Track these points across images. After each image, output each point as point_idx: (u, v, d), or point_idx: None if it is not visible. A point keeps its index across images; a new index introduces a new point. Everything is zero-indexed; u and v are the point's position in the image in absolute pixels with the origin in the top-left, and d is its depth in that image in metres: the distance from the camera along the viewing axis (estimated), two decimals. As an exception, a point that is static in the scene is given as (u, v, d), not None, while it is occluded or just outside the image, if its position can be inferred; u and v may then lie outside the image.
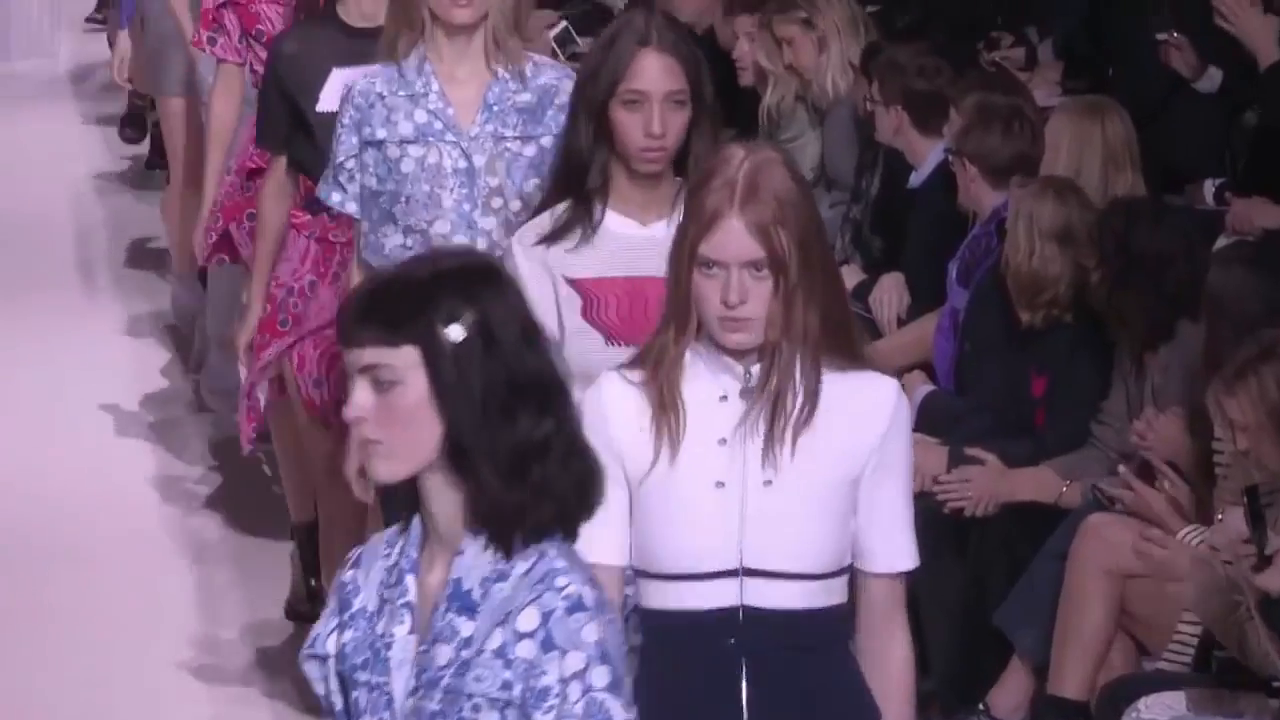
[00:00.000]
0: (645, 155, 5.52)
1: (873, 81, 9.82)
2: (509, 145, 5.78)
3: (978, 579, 8.06)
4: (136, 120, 15.57)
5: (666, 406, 4.38)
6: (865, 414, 4.43)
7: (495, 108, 5.83)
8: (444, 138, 5.84)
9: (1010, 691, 7.79)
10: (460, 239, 5.87)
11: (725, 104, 9.35)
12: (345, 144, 6.09)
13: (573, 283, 5.71)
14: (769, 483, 4.31)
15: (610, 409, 4.49)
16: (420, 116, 5.86)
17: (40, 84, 20.12)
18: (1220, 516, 7.03)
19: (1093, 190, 8.50)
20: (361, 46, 6.48)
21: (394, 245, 6.06)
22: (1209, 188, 9.68)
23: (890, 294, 9.27)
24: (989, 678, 7.83)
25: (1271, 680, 6.74)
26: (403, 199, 5.97)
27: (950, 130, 9.08)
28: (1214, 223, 9.12)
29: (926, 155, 9.41)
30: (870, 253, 9.80)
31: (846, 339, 4.51)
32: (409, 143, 5.87)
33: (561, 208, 5.70)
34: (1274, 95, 9.98)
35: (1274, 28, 9.99)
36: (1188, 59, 10.01)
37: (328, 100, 6.40)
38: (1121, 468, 7.60)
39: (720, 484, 4.34)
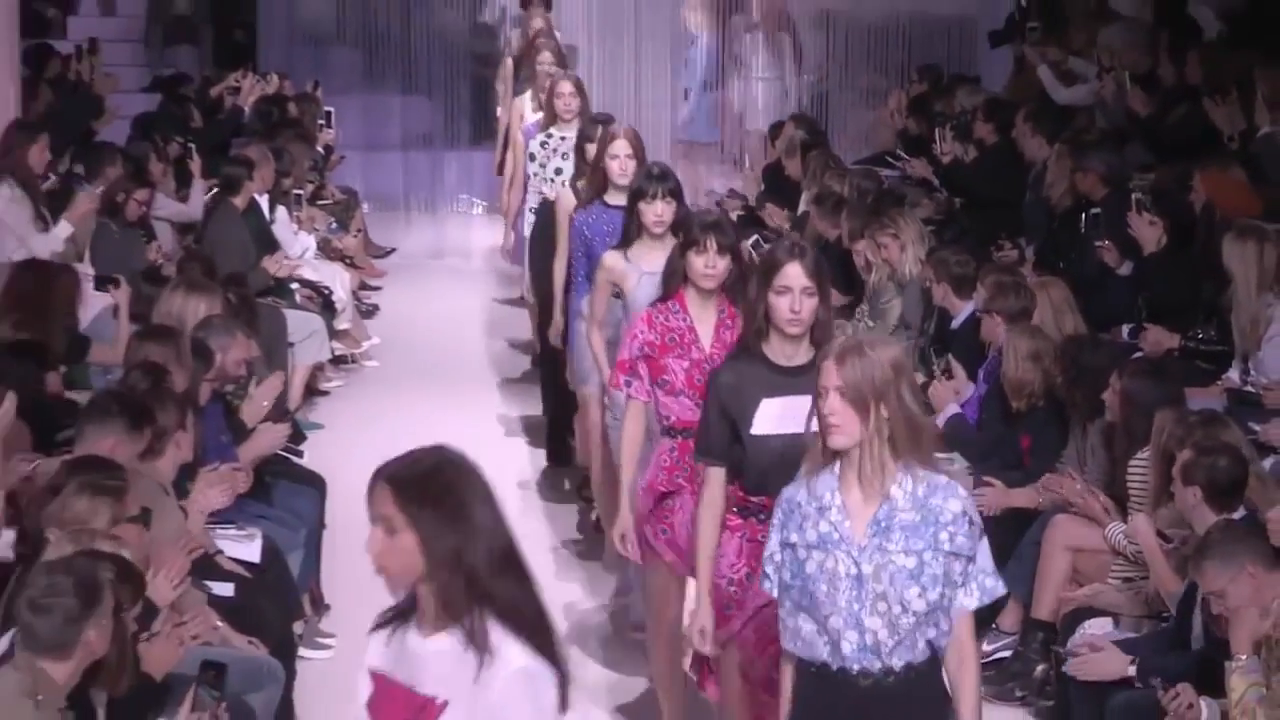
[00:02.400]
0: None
1: (931, 268, 11.22)
2: (892, 558, 5.55)
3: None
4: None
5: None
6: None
7: (883, 524, 5.58)
8: (840, 546, 5.60)
9: (1010, 617, 9.30)
10: (852, 634, 5.62)
11: (849, 282, 11.86)
12: (771, 541, 5.89)
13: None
14: None
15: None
16: (824, 527, 5.64)
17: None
18: (1129, 520, 8.59)
19: (1052, 331, 10.06)
20: (784, 381, 6.58)
21: (808, 631, 5.76)
22: (1125, 330, 11.04)
23: (941, 393, 10.28)
24: (998, 609, 8.98)
25: (1161, 614, 8.35)
26: (807, 594, 5.72)
27: (977, 297, 10.48)
28: (1127, 350, 10.50)
29: (961, 310, 10.87)
30: (930, 367, 10.79)
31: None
32: (813, 548, 5.67)
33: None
34: (1159, 277, 11.25)
35: (1156, 233, 11.27)
36: (1112, 256, 11.62)
37: (759, 425, 6.52)
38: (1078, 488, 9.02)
39: None
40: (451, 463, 4.53)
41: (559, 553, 11.23)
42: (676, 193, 8.84)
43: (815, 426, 5.74)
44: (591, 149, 10.62)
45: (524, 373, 14.77)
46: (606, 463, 9.83)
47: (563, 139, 11.98)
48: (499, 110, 18.25)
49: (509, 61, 16.87)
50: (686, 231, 7.48)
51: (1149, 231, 11.39)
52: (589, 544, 11.28)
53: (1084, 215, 12.32)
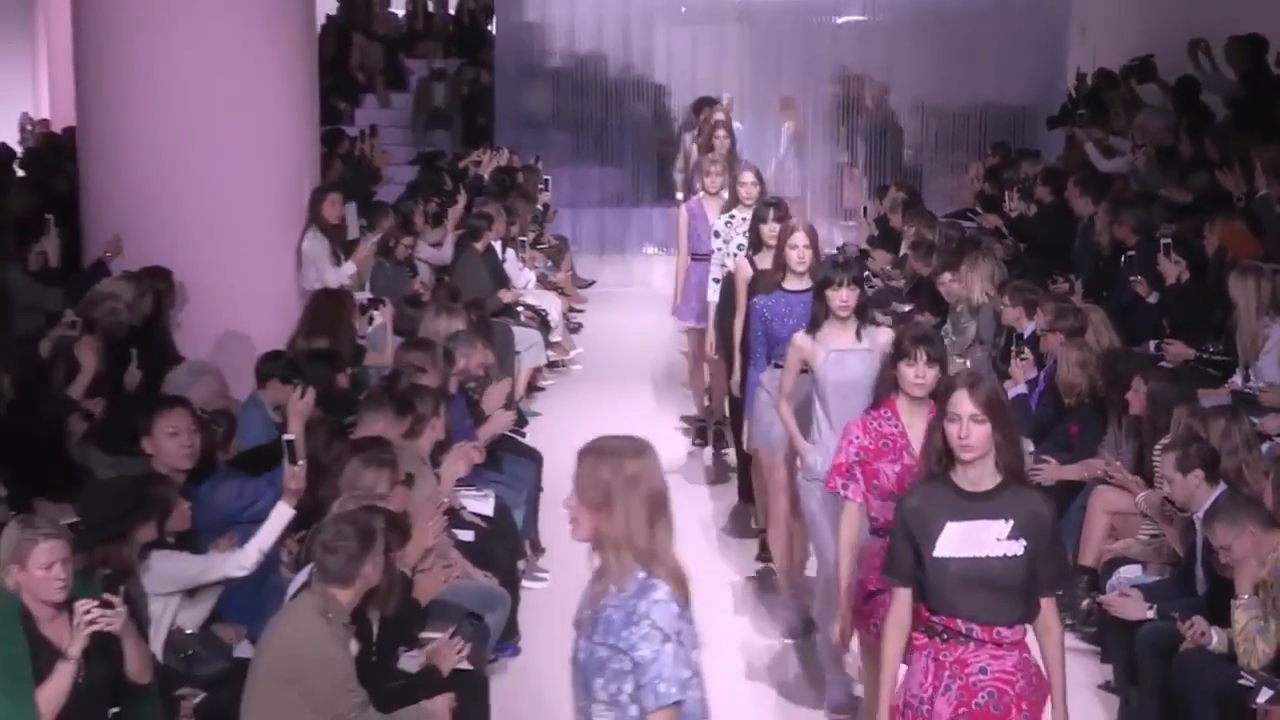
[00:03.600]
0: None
1: (1003, 296, 11.16)
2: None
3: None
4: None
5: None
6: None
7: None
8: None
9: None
10: None
11: (938, 306, 11.77)
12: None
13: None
14: None
15: None
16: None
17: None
18: (1156, 488, 8.39)
19: (1096, 345, 9.97)
20: (969, 506, 5.64)
21: None
22: (1151, 345, 10.90)
23: (1018, 369, 10.34)
24: None
25: (1176, 563, 8.21)
26: None
27: (1038, 318, 10.42)
28: (1154, 360, 10.34)
29: (1027, 328, 10.67)
30: (1002, 374, 10.60)
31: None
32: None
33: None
34: (1180, 304, 11.17)
35: (1178, 270, 11.21)
36: (1143, 288, 11.43)
37: (942, 548, 5.60)
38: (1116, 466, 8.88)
39: None
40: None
41: (736, 587, 10.10)
42: (859, 280, 7.96)
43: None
44: (765, 229, 9.86)
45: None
46: (787, 518, 9.05)
47: (744, 220, 10.95)
48: (678, 183, 18.44)
49: (693, 149, 16.76)
50: (898, 344, 6.60)
51: (1172, 269, 11.34)
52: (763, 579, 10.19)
53: (1121, 257, 12.24)
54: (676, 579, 4.51)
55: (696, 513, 10.92)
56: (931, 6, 20.45)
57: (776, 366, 8.65)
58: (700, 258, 12.04)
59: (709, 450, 12.60)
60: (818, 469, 7.71)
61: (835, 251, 9.55)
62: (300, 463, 7.35)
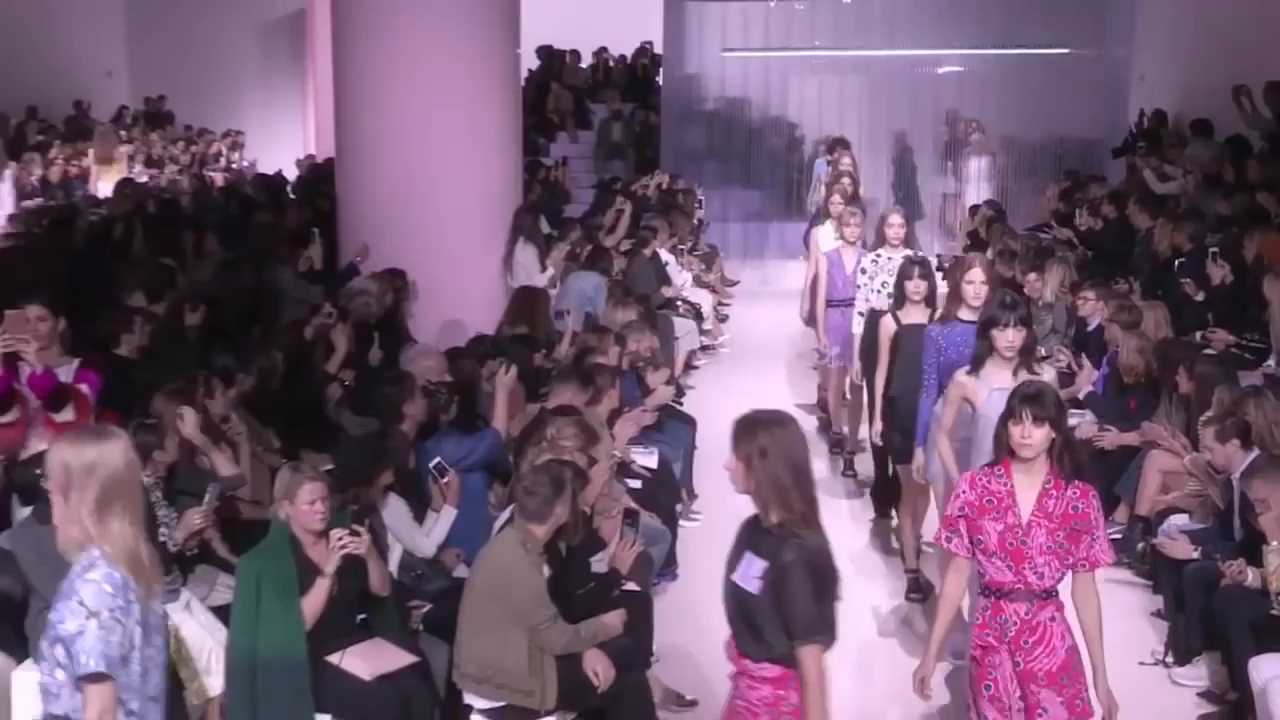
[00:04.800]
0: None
1: (1076, 295, 10.75)
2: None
3: (1106, 474, 8.85)
4: None
5: None
6: None
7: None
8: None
9: (1121, 513, 8.94)
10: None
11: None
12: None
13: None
14: None
15: None
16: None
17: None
18: (1200, 452, 8.08)
19: (1152, 334, 9.69)
20: (752, 537, 4.84)
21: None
22: (1198, 335, 10.47)
23: (1082, 376, 9.86)
24: (1110, 509, 8.65)
25: (1216, 514, 7.92)
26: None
27: (1102, 312, 10.11)
28: (1200, 348, 10.08)
29: (1094, 316, 10.33)
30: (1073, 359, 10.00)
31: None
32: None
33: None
34: (1224, 301, 10.90)
35: (1222, 273, 10.91)
36: (1192, 288, 11.12)
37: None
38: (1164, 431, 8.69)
39: None
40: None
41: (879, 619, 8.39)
42: (1025, 320, 6.60)
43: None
44: (910, 285, 8.50)
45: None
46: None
47: (889, 259, 9.71)
48: (809, 202, 18.27)
49: (823, 175, 16.64)
50: (1008, 402, 5.29)
51: (1218, 272, 11.09)
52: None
53: (1174, 263, 11.94)
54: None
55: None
56: (1016, 58, 20.31)
57: None
58: (837, 304, 10.80)
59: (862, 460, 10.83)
60: None
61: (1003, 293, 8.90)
62: (452, 474, 7.31)
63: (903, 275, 8.61)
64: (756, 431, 4.41)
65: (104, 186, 16.80)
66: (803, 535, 4.34)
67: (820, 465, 10.51)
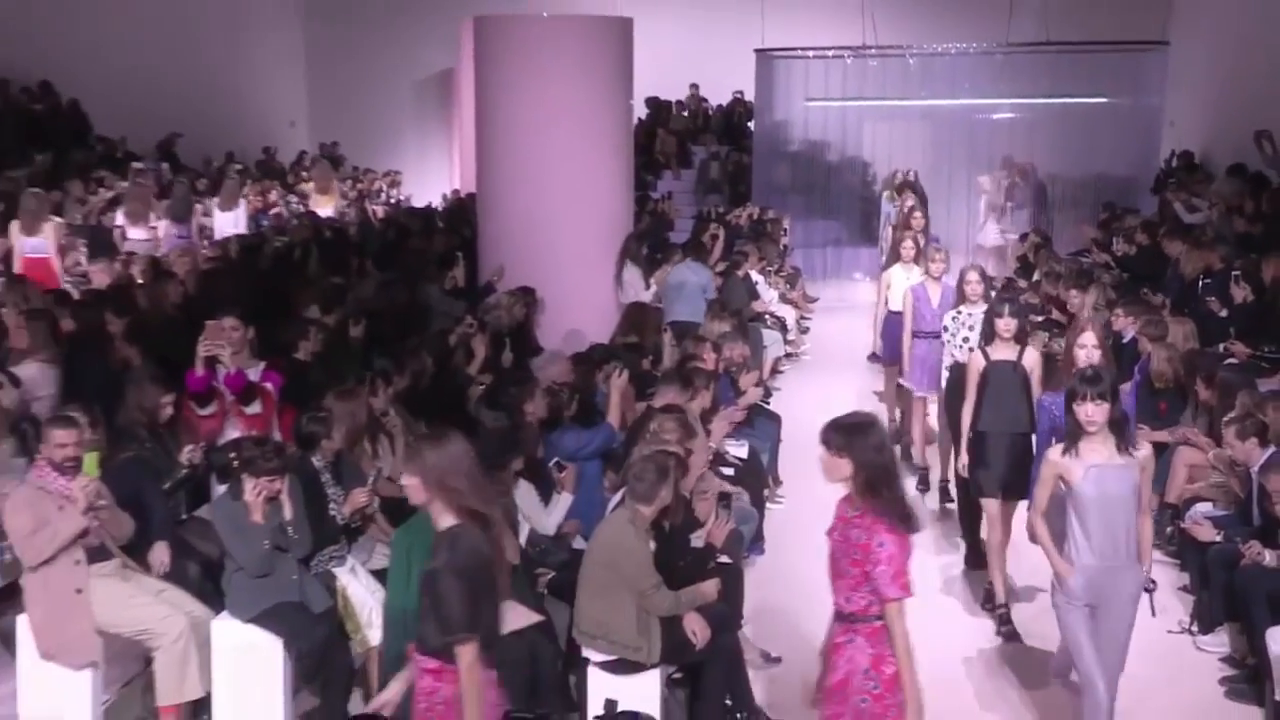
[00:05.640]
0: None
1: (1112, 311, 10.35)
2: None
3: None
4: None
5: None
6: None
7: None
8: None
9: (1153, 501, 7.14)
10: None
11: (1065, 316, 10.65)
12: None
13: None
14: None
15: None
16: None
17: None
18: (1223, 448, 7.87)
19: (1180, 345, 9.41)
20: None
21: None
22: (1221, 346, 10.28)
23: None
24: None
25: (1237, 502, 7.68)
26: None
27: (1135, 325, 9.69)
28: (1223, 357, 9.91)
29: (1128, 330, 9.86)
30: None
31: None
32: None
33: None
34: (1244, 317, 10.67)
35: (1244, 293, 10.60)
36: (1216, 305, 10.89)
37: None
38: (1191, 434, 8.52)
39: None
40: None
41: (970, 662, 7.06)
42: (1105, 394, 5.41)
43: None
44: (1001, 323, 7.54)
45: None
46: None
47: (969, 315, 8.70)
48: (880, 238, 17.98)
49: (892, 213, 16.45)
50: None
51: (1239, 292, 10.84)
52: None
53: (1200, 283, 11.65)
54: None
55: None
56: (1062, 106, 20.08)
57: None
58: (924, 336, 9.85)
59: (930, 497, 9.90)
60: (1079, 592, 5.43)
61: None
62: (569, 468, 7.27)
63: (993, 313, 7.68)
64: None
65: (322, 211, 17.35)
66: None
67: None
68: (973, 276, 8.96)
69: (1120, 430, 5.48)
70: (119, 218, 14.12)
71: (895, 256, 11.19)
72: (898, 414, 10.94)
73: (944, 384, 8.92)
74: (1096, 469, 5.33)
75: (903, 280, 10.55)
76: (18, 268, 11.69)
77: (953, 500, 9.15)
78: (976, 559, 8.27)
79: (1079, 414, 5.41)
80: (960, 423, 7.78)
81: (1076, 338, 7.06)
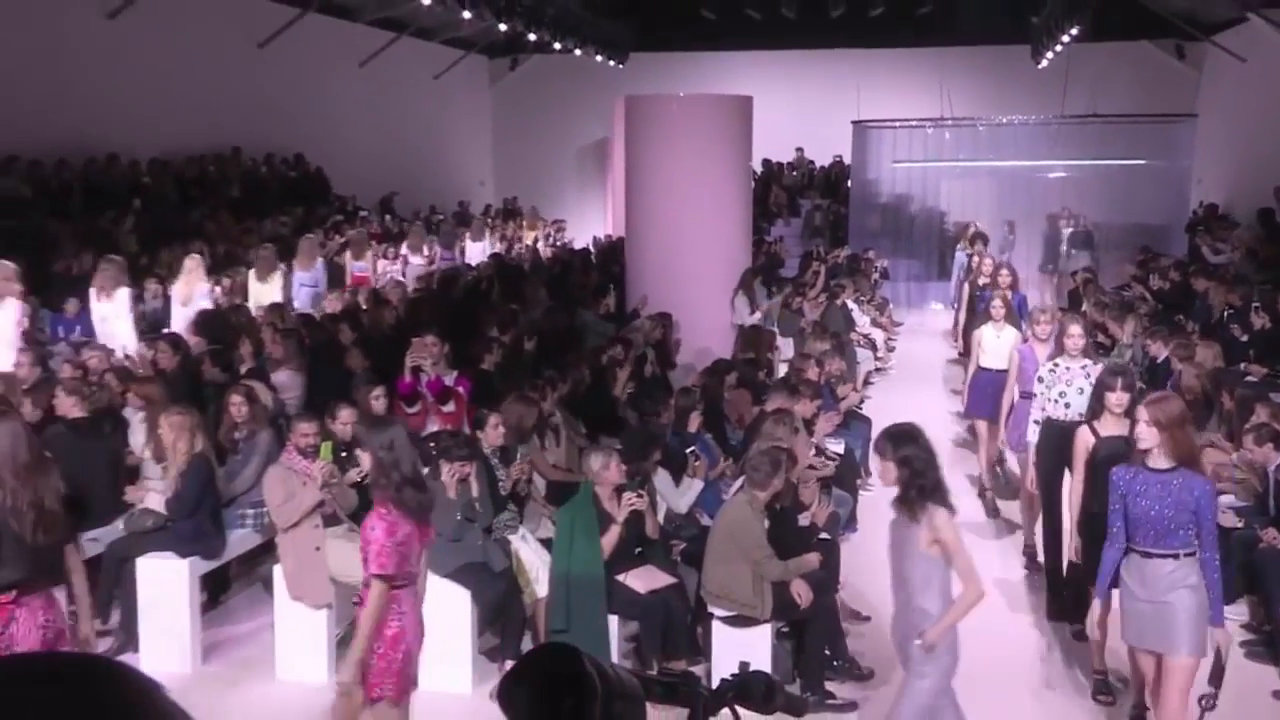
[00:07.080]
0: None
1: (1147, 336, 9.90)
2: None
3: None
4: None
5: None
6: None
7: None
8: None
9: None
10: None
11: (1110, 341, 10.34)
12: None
13: None
14: None
15: None
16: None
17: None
18: (1242, 451, 7.44)
19: (1208, 364, 8.89)
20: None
21: None
22: (1242, 365, 9.81)
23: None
24: None
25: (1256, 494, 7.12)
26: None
27: (1168, 344, 9.37)
28: (1243, 375, 9.42)
29: (1161, 352, 9.48)
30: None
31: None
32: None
33: None
34: (1262, 341, 10.13)
35: (1262, 321, 10.06)
36: (1238, 330, 10.38)
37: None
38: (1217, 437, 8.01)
39: None
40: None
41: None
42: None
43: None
44: (1112, 397, 5.57)
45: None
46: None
47: (1067, 369, 6.80)
48: (952, 281, 17.41)
49: (963, 258, 15.93)
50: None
51: (1258, 320, 10.37)
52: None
53: (1224, 313, 11.14)
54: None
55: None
56: (1106, 167, 19.89)
57: (1144, 555, 4.56)
58: (1029, 395, 7.52)
59: (995, 522, 8.74)
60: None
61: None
62: (703, 459, 7.12)
63: (1104, 386, 5.71)
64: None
65: (529, 242, 18.81)
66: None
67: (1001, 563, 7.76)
68: (1074, 329, 6.95)
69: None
70: (347, 256, 14.56)
71: (985, 316, 9.16)
72: (998, 471, 9.44)
73: (1032, 437, 6.99)
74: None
75: (993, 339, 8.78)
76: (348, 282, 13.05)
77: (1035, 568, 7.48)
78: (1059, 611, 6.78)
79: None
80: (1054, 489, 6.52)
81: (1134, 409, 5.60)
